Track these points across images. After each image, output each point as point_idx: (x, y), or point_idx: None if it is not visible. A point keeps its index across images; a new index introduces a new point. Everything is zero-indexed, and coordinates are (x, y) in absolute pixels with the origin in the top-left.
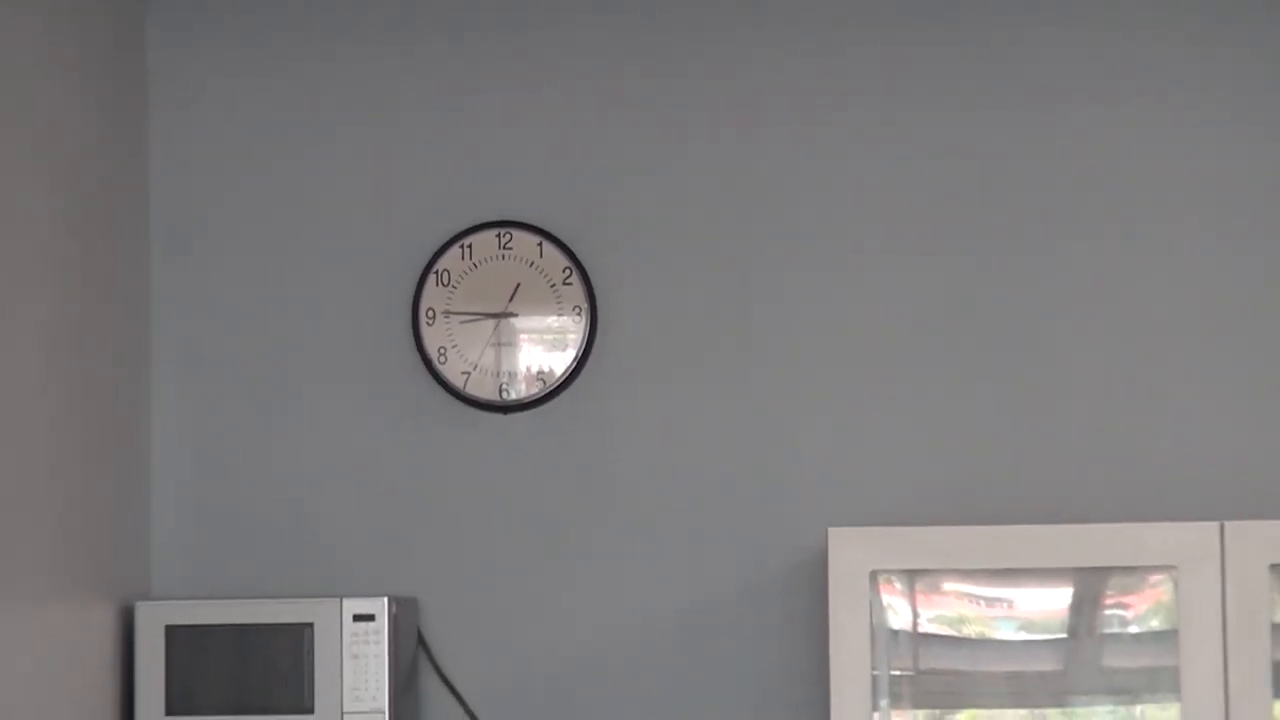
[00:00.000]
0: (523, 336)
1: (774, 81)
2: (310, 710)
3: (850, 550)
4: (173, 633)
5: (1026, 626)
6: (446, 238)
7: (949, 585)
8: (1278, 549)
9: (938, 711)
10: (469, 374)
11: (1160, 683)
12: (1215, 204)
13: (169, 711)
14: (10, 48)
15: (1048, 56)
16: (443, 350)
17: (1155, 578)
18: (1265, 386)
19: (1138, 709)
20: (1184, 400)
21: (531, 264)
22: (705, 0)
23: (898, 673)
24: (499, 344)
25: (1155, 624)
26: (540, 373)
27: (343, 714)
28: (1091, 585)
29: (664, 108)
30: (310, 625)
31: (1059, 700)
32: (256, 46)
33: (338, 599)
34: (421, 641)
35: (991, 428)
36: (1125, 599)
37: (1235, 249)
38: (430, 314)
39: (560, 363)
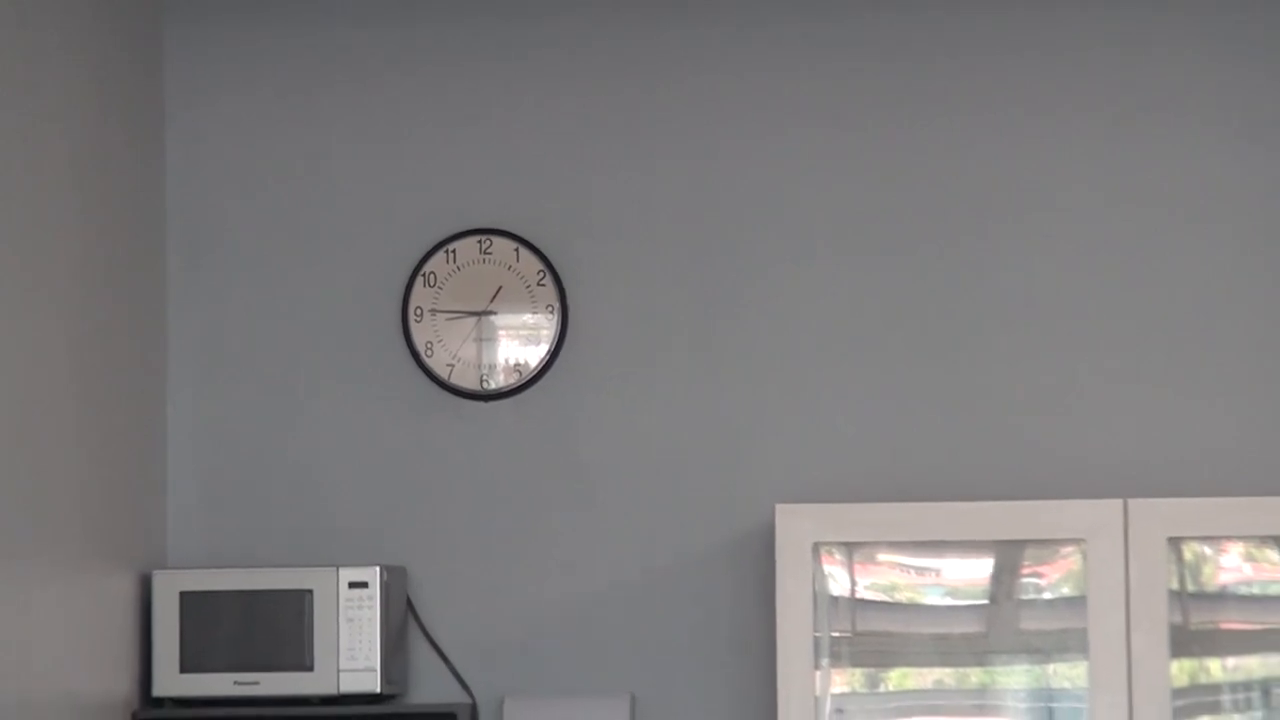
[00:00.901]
0: (501, 332)
1: (732, 101)
2: (310, 668)
3: (795, 524)
4: (186, 598)
5: (952, 593)
6: (433, 243)
7: (883, 556)
8: (1175, 524)
9: (873, 670)
10: (453, 366)
11: (1070, 644)
12: (1111, 208)
13: (183, 669)
14: (34, 62)
15: (980, 78)
16: (429, 345)
17: (1066, 549)
18: (1162, 377)
19: (1050, 667)
20: (1092, 390)
21: (509, 267)
22: (672, 27)
23: (837, 635)
24: (480, 339)
25: (1066, 591)
26: (517, 365)
27: (339, 672)
28: (1010, 556)
29: (630, 127)
30: (310, 591)
31: (981, 660)
32: (264, 70)
33: (334, 568)
34: (410, 606)
35: (921, 414)
36: (1039, 568)
37: (1133, 245)
38: (418, 312)
39: (535, 356)
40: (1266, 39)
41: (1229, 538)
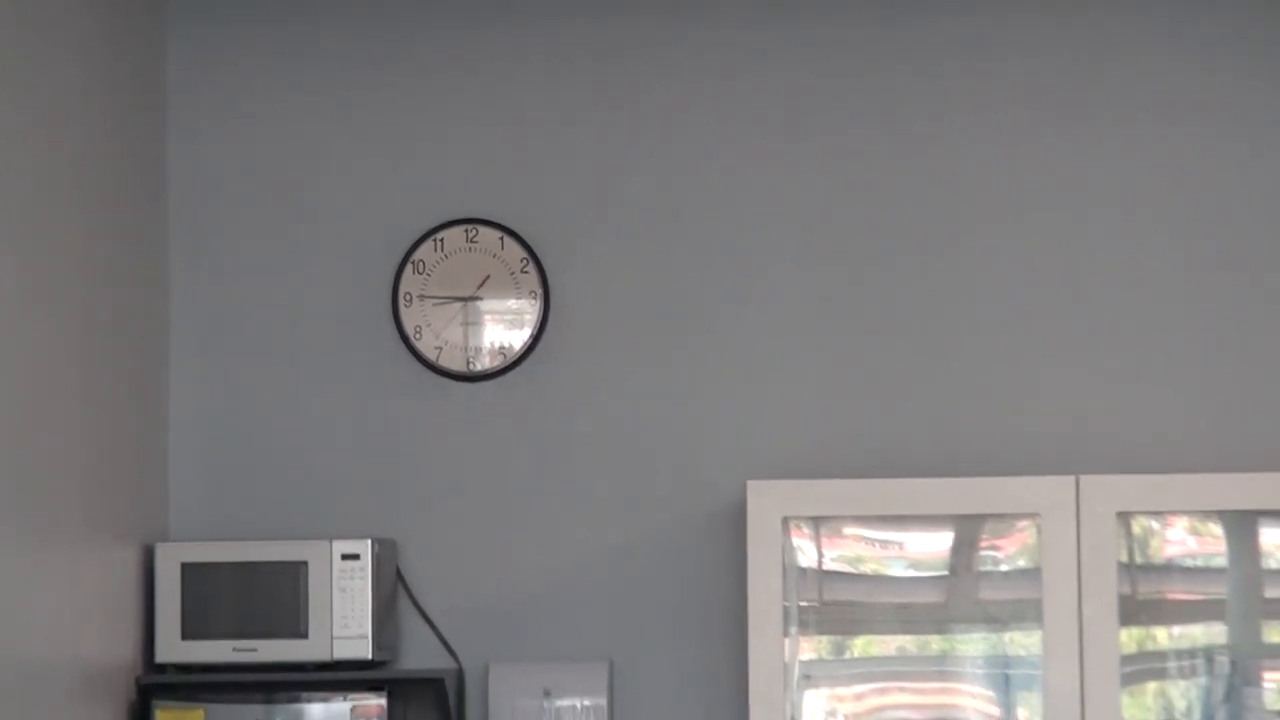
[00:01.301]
0: (486, 316)
1: (705, 102)
2: (305, 635)
3: (765, 499)
4: (187, 569)
5: (914, 565)
6: (422, 232)
7: (849, 529)
8: (1124, 499)
9: (839, 638)
10: (441, 349)
11: (1026, 613)
12: (1064, 200)
13: (184, 636)
14: (42, 63)
15: (939, 82)
16: (418, 329)
17: (1022, 523)
18: (1113, 361)
19: (1006, 635)
20: (1047, 372)
21: (494, 255)
22: (649, 32)
23: (805, 604)
24: (466, 323)
25: (1022, 563)
26: (501, 348)
27: (332, 639)
28: (968, 530)
29: (609, 124)
30: (305, 563)
31: (941, 628)
32: (262, 70)
33: (328, 540)
34: (400, 577)
35: (885, 395)
36: (997, 541)
37: (1086, 235)
38: (408, 297)
39: (518, 339)
40: (1211, 37)
41: (1174, 512)
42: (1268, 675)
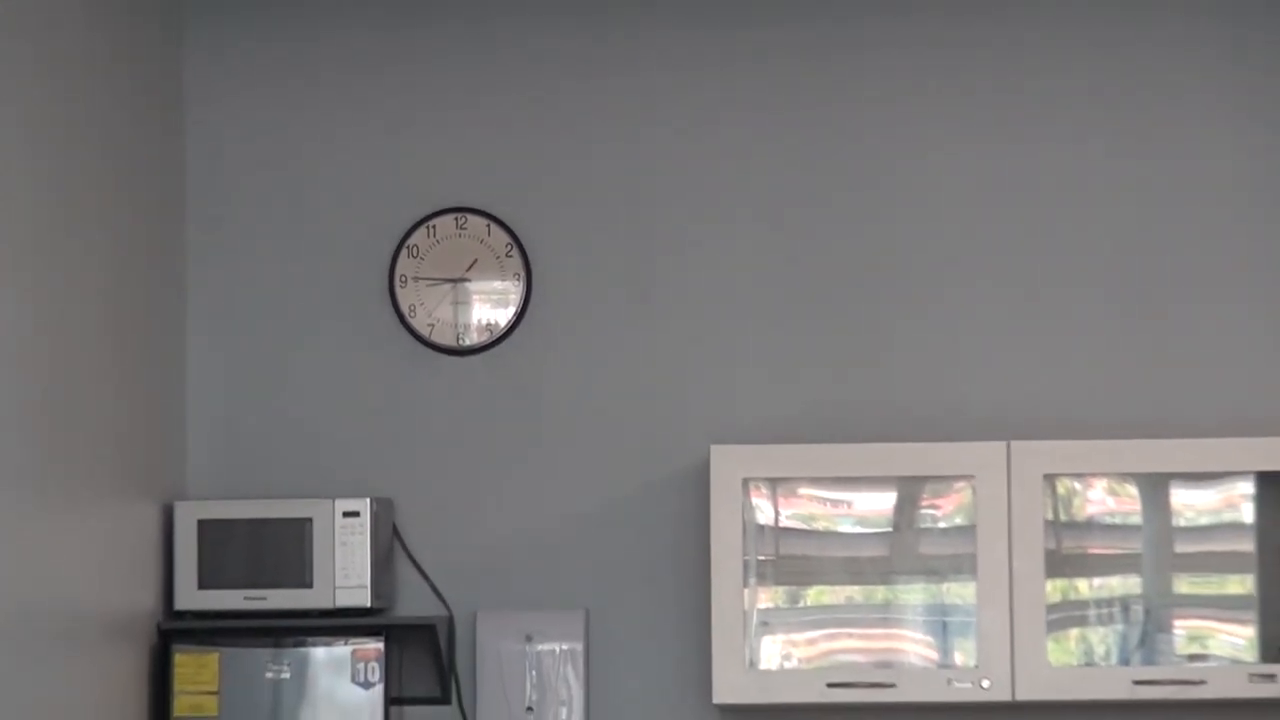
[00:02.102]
0: (475, 296)
1: (670, 98)
2: (310, 585)
3: (727, 462)
4: (203, 525)
5: (861, 522)
6: (415, 220)
7: (803, 490)
8: (1051, 462)
9: (793, 588)
10: (433, 325)
11: (962, 566)
12: (991, 183)
13: (200, 586)
14: (77, 68)
15: (869, 79)
16: (413, 307)
17: (958, 484)
18: (1039, 336)
19: (944, 586)
20: (982, 347)
21: (481, 241)
22: (617, 36)
23: (763, 558)
24: (456, 302)
25: (958, 520)
26: (488, 325)
27: (334, 588)
28: (910, 490)
29: (582, 122)
30: (310, 520)
31: (885, 579)
32: (273, 69)
33: (331, 499)
34: (396, 532)
35: (836, 367)
36: (936, 501)
37: (1010, 219)
38: (403, 279)
39: (504, 317)
40: (1122, 39)
41: (1095, 475)
42: (1178, 622)
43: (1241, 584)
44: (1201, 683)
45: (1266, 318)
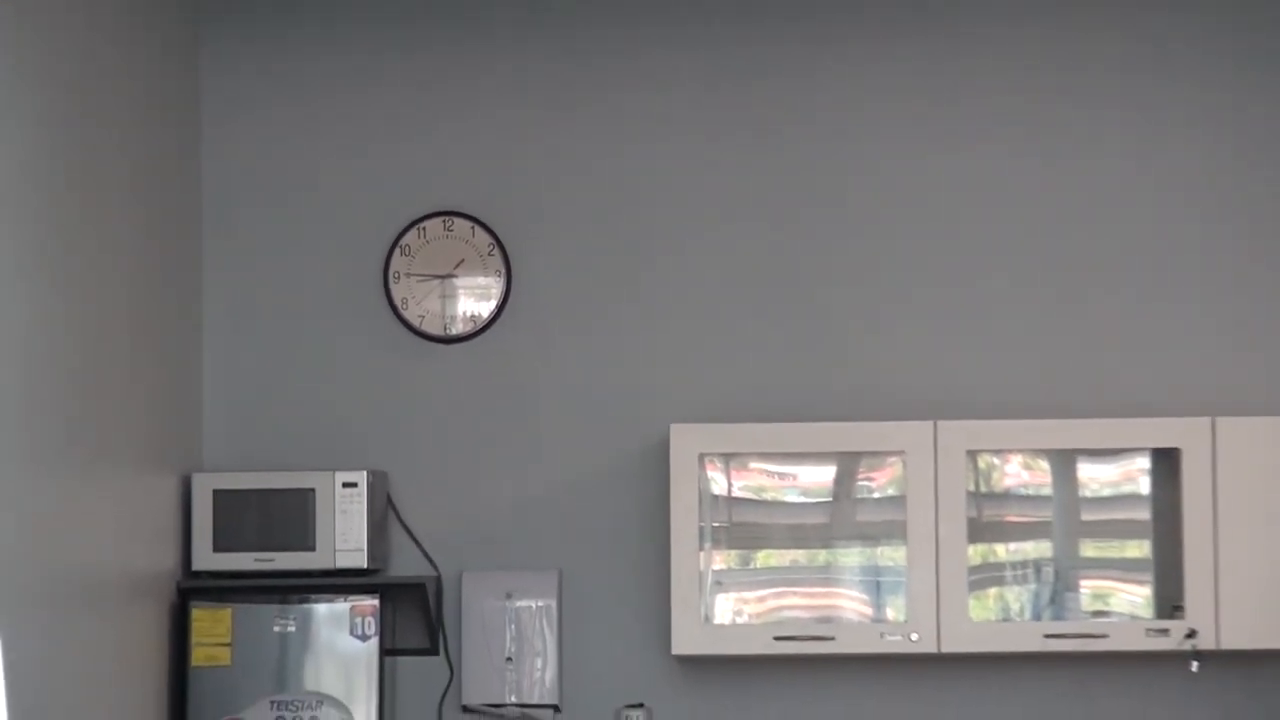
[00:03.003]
0: (460, 291)
1: (638, 114)
2: (313, 548)
3: (685, 439)
4: (217, 495)
5: (805, 492)
6: (408, 222)
7: (753, 464)
8: (973, 439)
9: (744, 551)
10: (423, 317)
11: (894, 532)
12: (922, 183)
13: (215, 549)
14: (103, 86)
15: (819, 99)
16: (405, 300)
17: (891, 459)
18: (965, 330)
19: (878, 550)
20: (912, 337)
21: (467, 241)
22: (591, 56)
23: (717, 525)
24: (444, 296)
25: (891, 491)
26: (472, 316)
27: (335, 551)
28: (848, 464)
29: (558, 135)
30: (313, 490)
31: (826, 544)
32: (281, 86)
33: (331, 471)
34: (390, 501)
35: (782, 355)
36: (871, 474)
37: (939, 225)
38: (396, 275)
39: (486, 309)
40: (1037, 53)
41: (1012, 451)
42: (1083, 583)
43: (1139, 548)
44: (1104, 636)
45: (1163, 313)
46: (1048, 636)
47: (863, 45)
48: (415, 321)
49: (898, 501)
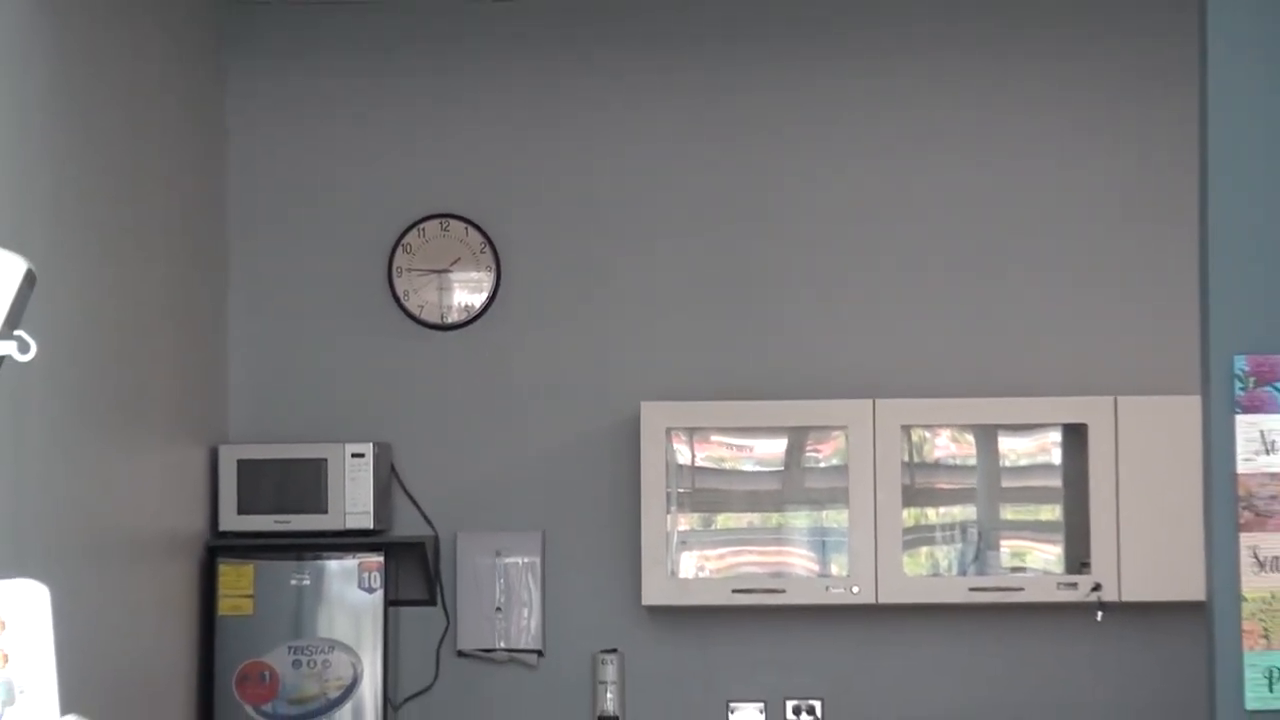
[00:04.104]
0: (455, 284)
1: (612, 129)
2: (325, 511)
3: (654, 415)
4: (241, 464)
5: (759, 462)
6: (409, 223)
7: (714, 437)
8: (906, 416)
9: (706, 514)
10: (423, 307)
11: (838, 497)
12: (859, 184)
13: (239, 512)
14: (147, 103)
15: (770, 110)
16: (407, 292)
17: (835, 433)
18: (900, 317)
19: (824, 513)
20: (854, 325)
21: (461, 241)
22: (570, 74)
23: (682, 491)
24: (441, 289)
25: (835, 461)
26: (466, 306)
27: (345, 514)
28: (797, 438)
29: (543, 147)
30: (325, 459)
31: (778, 508)
32: (299, 99)
33: (342, 444)
34: (393, 470)
35: (740, 340)
36: (818, 446)
37: (875, 225)
38: (399, 270)
39: (478, 300)
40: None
41: (941, 426)
42: (1003, 542)
43: (1051, 512)
44: (1021, 589)
45: (1072, 305)
46: (972, 589)
47: (811, 68)
48: (416, 311)
49: (841, 470)
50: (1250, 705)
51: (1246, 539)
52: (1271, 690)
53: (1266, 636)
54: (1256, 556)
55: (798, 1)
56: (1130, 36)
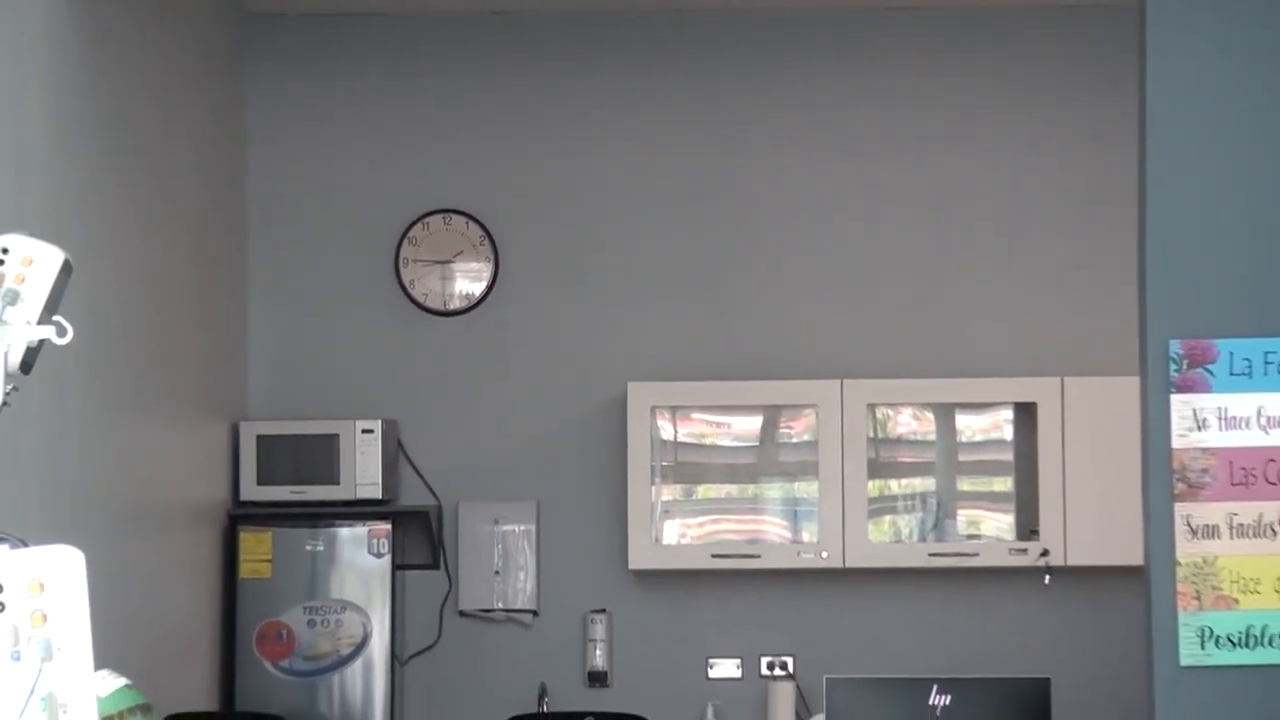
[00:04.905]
0: (457, 274)
1: (597, 134)
2: (337, 482)
3: (640, 394)
4: (260, 439)
5: (737, 438)
6: (414, 217)
7: (695, 415)
8: (871, 395)
9: (688, 485)
10: (427, 294)
11: (808, 470)
12: (818, 180)
13: (258, 483)
14: (178, 104)
15: (727, 114)
16: (412, 281)
17: (806, 411)
18: (866, 303)
19: (796, 484)
20: (824, 311)
21: (462, 234)
22: (557, 86)
23: (665, 464)
24: (443, 278)
25: (806, 437)
26: (467, 294)
27: (355, 485)
28: (772, 415)
29: (538, 148)
30: (337, 434)
31: (753, 479)
32: (313, 103)
33: (353, 420)
34: (400, 445)
35: (719, 324)
36: (790, 423)
37: (841, 217)
38: (405, 261)
39: (478, 289)
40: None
41: (903, 404)
42: (960, 512)
43: (1004, 484)
44: (975, 555)
45: (1023, 293)
46: (931, 555)
47: (783, 77)
48: (420, 299)
49: (811, 445)
50: (1184, 662)
51: (1180, 509)
52: (1203, 648)
53: (1198, 598)
54: (1189, 525)
55: (770, 17)
56: (1074, 43)
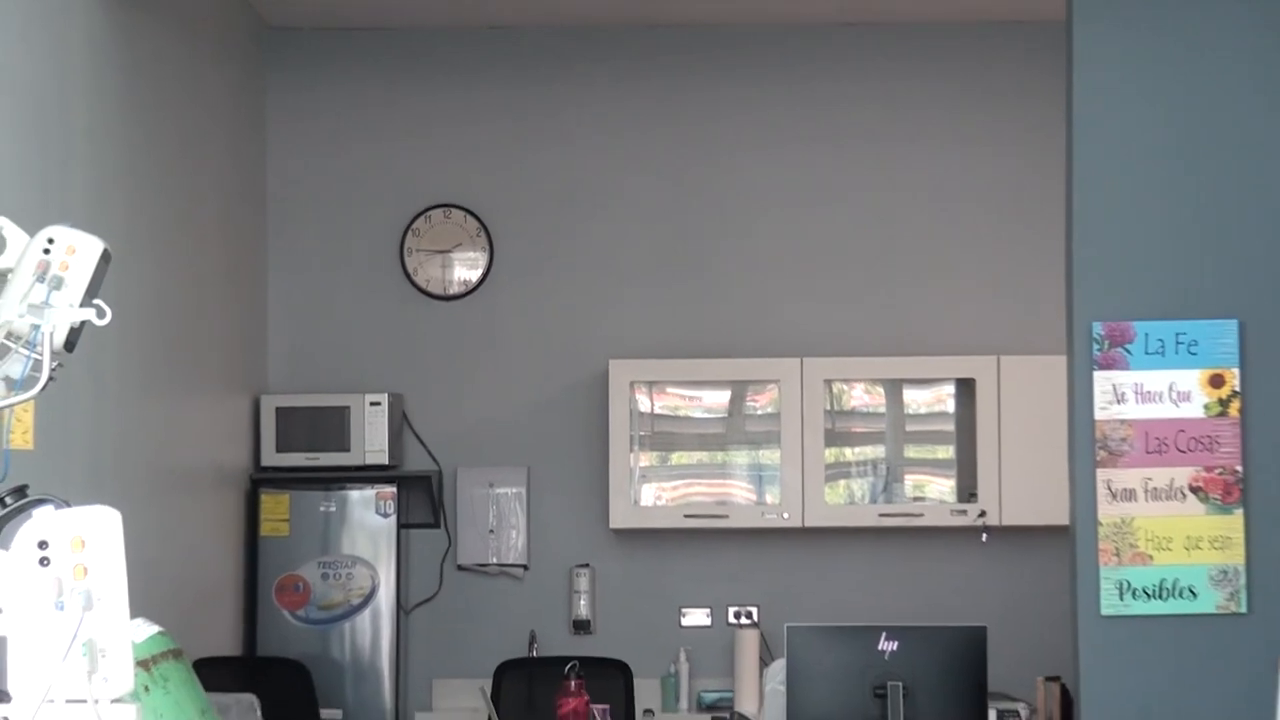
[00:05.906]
0: (456, 262)
1: (585, 131)
2: (348, 450)
3: (620, 371)
4: (279, 410)
5: (708, 410)
6: (417, 211)
7: (670, 389)
8: (828, 372)
9: (663, 452)
10: (429, 280)
11: (771, 439)
12: (787, 175)
13: (277, 450)
14: (203, 108)
15: (707, 112)
16: (416, 269)
17: (769, 386)
18: (822, 288)
19: (760, 452)
20: (787, 294)
21: (461, 226)
22: (549, 87)
23: (643, 434)
24: (444, 266)
25: (769, 409)
26: (465, 281)
27: (365, 452)
28: (740, 389)
29: (530, 147)
30: (348, 407)
31: (722, 447)
32: (327, 107)
33: (362, 394)
34: (405, 416)
35: (692, 306)
36: (756, 397)
37: (806, 211)
38: (409, 250)
39: (475, 275)
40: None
41: (856, 380)
42: (907, 477)
43: (946, 452)
44: (921, 515)
45: (963, 279)
46: (881, 515)
47: (752, 83)
48: (423, 284)
49: (774, 416)
50: (1105, 612)
51: (1102, 474)
52: (1122, 599)
53: (1118, 554)
54: (1110, 489)
55: (737, 32)
56: (1010, 53)
